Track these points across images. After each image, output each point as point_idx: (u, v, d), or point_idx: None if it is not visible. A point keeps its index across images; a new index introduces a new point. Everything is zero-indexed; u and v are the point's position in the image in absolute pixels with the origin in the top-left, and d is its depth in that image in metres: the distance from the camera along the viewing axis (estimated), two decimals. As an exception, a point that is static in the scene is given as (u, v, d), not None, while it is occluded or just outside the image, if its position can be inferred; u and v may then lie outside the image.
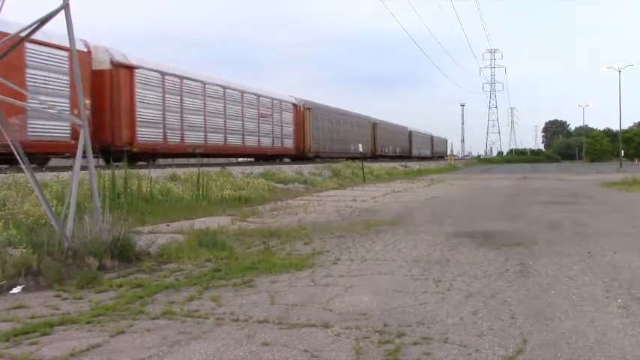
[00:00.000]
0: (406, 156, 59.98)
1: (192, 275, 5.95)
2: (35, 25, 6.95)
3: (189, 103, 22.93)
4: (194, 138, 23.20)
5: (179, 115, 22.15)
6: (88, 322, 4.33)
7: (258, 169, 22.26)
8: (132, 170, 13.48)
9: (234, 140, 26.42)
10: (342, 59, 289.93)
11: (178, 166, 20.50)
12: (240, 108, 27.14)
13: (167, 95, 21.37)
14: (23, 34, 7.23)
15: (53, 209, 7.07)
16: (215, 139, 24.78)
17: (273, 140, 30.52)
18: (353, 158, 40.44)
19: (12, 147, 6.87)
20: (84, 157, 6.98)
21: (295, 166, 26.11)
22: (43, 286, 5.47)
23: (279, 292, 5.24)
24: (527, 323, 4.28)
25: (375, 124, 50.61)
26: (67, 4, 6.86)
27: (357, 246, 7.80)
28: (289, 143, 32.99)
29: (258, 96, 29.10)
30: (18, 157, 6.88)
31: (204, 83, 24.03)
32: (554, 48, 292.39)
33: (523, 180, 28.52)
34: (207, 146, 23.96)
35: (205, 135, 23.92)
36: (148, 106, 20.18)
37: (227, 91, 25.94)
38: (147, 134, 20.19)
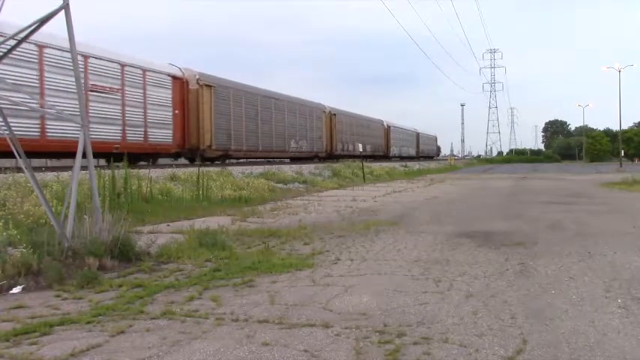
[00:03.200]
0: (381, 156, 50.27)
1: (192, 275, 5.95)
2: (35, 26, 6.94)
3: None
4: None
5: None
6: (88, 322, 4.33)
7: (258, 169, 22.24)
8: (132, 170, 13.48)
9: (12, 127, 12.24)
10: (341, 60, 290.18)
11: (178, 166, 20.40)
12: (35, 72, 15.58)
13: None
14: (22, 35, 7.22)
15: (53, 209, 7.06)
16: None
17: (123, 130, 19.12)
18: (295, 159, 33.47)
19: (11, 146, 6.87)
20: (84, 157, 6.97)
21: (295, 166, 26.06)
22: (43, 286, 5.46)
23: (279, 292, 5.24)
24: (527, 323, 4.28)
25: (332, 115, 39.70)
26: (67, 4, 6.86)
27: (357, 246, 7.80)
28: (165, 136, 21.47)
29: (87, 56, 17.26)
30: (17, 156, 6.88)
31: None
32: (554, 48, 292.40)
33: (523, 180, 28.51)
34: None
35: None
36: None
37: None
38: None
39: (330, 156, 38.52)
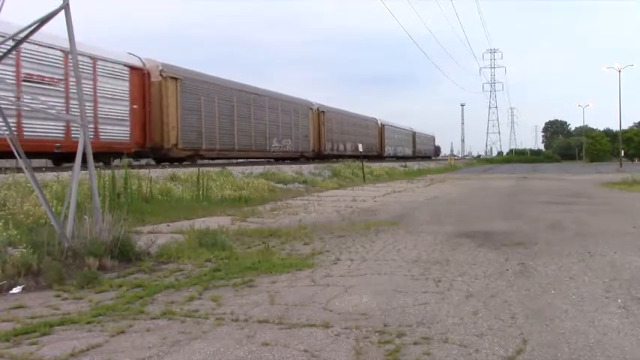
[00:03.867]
0: (374, 156, 47.57)
1: (192, 275, 5.95)
2: (35, 26, 6.94)
3: None
4: None
5: None
6: (88, 322, 4.33)
7: (258, 169, 22.24)
8: (132, 170, 13.48)
9: None
10: (341, 60, 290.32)
11: (178, 166, 20.37)
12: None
13: None
14: (22, 35, 7.22)
15: (53, 209, 7.06)
16: None
17: (67, 127, 16.62)
18: (279, 159, 31.55)
19: (11, 146, 6.87)
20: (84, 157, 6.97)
21: (295, 166, 26.05)
22: (43, 286, 5.46)
23: (279, 292, 5.24)
24: (527, 323, 4.28)
25: (321, 112, 37.42)
26: (67, 4, 6.86)
27: (357, 246, 7.80)
28: (121, 133, 19.25)
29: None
30: (17, 156, 6.88)
31: None
32: (554, 48, 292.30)
33: (523, 180, 28.51)
34: None
35: None
36: None
37: None
38: None
39: (319, 156, 36.35)
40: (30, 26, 6.96)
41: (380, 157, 49.86)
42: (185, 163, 22.25)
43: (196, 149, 23.48)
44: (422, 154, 70.11)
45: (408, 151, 63.23)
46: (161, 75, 21.13)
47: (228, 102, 25.99)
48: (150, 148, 21.10)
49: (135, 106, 19.72)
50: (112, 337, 3.99)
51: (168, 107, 21.29)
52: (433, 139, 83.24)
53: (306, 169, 25.98)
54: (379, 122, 51.85)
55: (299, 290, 5.34)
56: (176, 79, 21.94)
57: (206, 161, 24.68)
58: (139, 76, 20.26)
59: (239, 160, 28.20)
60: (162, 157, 22.23)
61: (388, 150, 53.63)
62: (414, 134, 67.26)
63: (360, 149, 33.59)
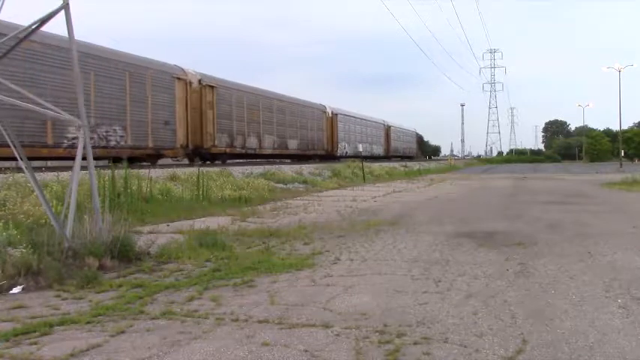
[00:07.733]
0: (322, 155, 36.88)
1: (192, 275, 5.95)
2: (35, 26, 6.95)
3: None
4: None
5: None
6: (88, 322, 4.33)
7: (258, 169, 22.23)
8: (132, 170, 13.48)
9: None
10: (341, 61, 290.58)
11: (178, 166, 20.31)
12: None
13: None
14: (22, 35, 7.22)
15: (53, 209, 7.06)
16: None
17: None
18: (123, 160, 16.16)
19: (12, 147, 6.87)
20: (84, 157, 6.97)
21: (296, 166, 26.05)
22: (43, 286, 5.46)
23: (279, 292, 5.24)
24: (527, 323, 4.28)
25: (206, 88, 23.74)
26: (67, 4, 6.86)
27: (357, 246, 7.80)
28: None
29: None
30: (18, 157, 6.88)
31: None
32: (554, 48, 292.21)
33: (523, 180, 28.51)
34: None
35: None
36: None
37: None
38: None
39: (201, 155, 23.91)
40: (30, 26, 6.96)
41: (332, 157, 38.55)
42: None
43: None
44: (399, 153, 57.60)
45: (378, 150, 51.00)
46: None
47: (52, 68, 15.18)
48: None
49: None
50: (112, 337, 3.99)
51: None
52: (415, 135, 68.29)
53: (306, 169, 25.99)
54: (329, 110, 39.72)
55: (299, 290, 5.34)
56: None
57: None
58: None
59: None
60: None
61: (344, 147, 40.91)
62: (387, 128, 54.37)
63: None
